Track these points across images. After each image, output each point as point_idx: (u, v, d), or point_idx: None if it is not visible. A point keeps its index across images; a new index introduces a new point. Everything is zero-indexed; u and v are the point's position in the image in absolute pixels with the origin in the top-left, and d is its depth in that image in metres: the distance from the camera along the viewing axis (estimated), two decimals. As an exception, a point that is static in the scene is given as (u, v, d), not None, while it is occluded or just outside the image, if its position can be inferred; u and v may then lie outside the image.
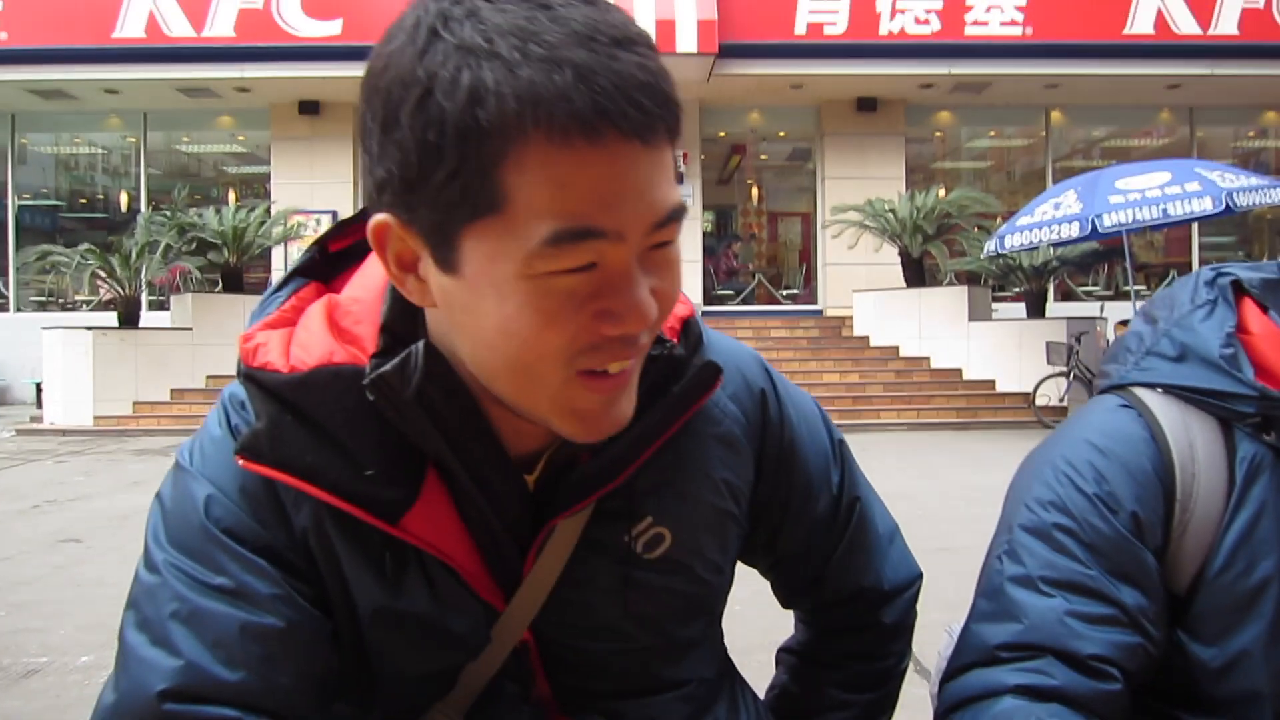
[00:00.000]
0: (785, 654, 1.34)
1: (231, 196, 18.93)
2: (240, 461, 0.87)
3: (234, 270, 14.88)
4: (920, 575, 1.28)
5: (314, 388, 0.87)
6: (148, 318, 14.87)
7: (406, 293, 0.84)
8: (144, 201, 18.25)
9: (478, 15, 0.73)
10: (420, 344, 0.85)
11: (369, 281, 0.95)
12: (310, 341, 0.90)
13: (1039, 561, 1.10)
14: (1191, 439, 1.12)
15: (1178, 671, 1.11)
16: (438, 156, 0.73)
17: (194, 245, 14.50)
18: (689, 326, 1.00)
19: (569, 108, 0.70)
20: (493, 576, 0.95)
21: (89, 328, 13.73)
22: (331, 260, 1.01)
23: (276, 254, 16.65)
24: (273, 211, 15.47)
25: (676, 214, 0.79)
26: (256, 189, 19.06)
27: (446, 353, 0.87)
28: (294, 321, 0.93)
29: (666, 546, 1.01)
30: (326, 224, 15.81)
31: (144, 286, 14.67)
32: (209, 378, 13.92)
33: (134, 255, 13.77)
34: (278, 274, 16.90)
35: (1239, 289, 1.18)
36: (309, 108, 17.55)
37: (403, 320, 0.90)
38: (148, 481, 9.07)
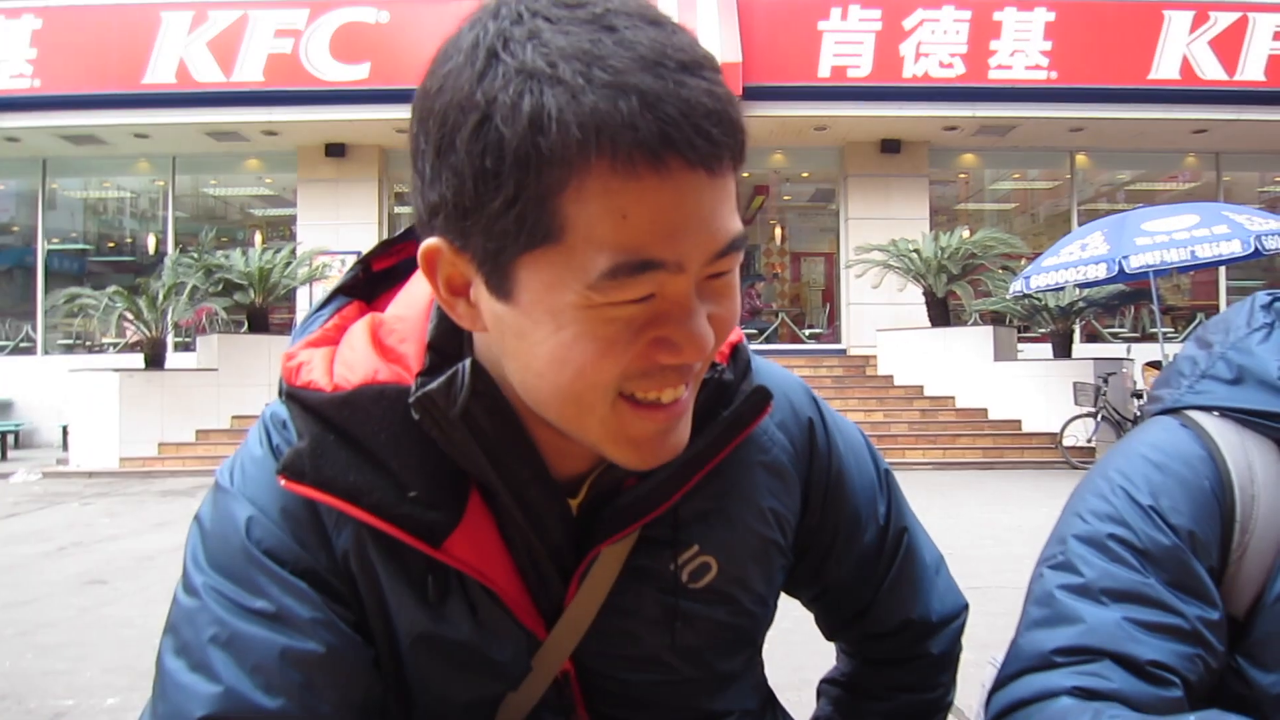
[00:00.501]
0: (829, 686, 1.32)
1: (258, 238, 19.12)
2: (282, 481, 0.85)
3: (259, 311, 15.00)
4: (966, 606, 1.25)
5: (358, 407, 0.85)
6: (173, 359, 14.96)
7: (456, 317, 0.82)
8: (171, 244, 18.42)
9: (539, 37, 0.70)
10: (466, 362, 0.84)
11: (413, 300, 0.93)
12: (354, 360, 0.88)
13: (1096, 571, 1.08)
14: (1250, 461, 1.10)
15: (1236, 698, 1.08)
16: (495, 184, 0.70)
17: (220, 286, 14.60)
18: (738, 352, 0.98)
19: (634, 136, 0.67)
20: (535, 603, 0.93)
21: (115, 369, 13.80)
22: (374, 279, 1.00)
23: (301, 294, 16.76)
24: (298, 253, 15.58)
25: (738, 243, 0.76)
26: (282, 230, 19.22)
27: (493, 372, 0.85)
28: (337, 340, 0.92)
29: (712, 576, 0.99)
30: (351, 264, 15.92)
31: (170, 328, 14.75)
32: (234, 418, 13.97)
33: (161, 297, 13.85)
34: (302, 315, 16.88)
35: None
36: (335, 150, 17.75)
37: (449, 339, 0.88)
38: (173, 523, 9.07)
